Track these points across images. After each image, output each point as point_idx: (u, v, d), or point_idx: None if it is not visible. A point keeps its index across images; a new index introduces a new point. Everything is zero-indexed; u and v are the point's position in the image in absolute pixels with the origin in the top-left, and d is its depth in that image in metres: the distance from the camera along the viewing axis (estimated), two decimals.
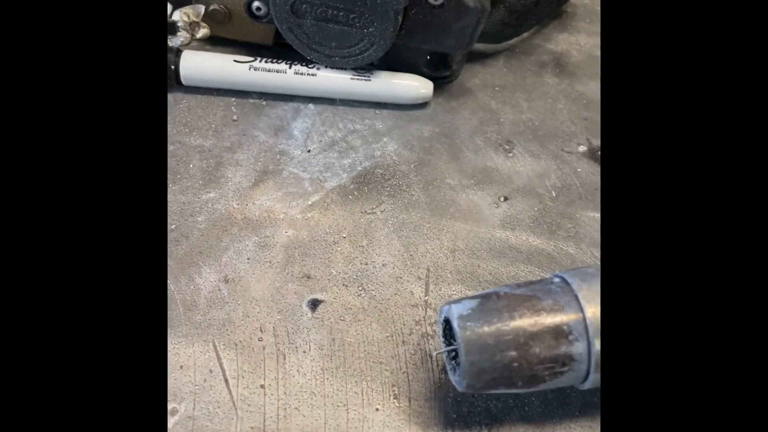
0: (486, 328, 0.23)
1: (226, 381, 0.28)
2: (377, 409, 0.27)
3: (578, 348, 0.23)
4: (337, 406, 0.27)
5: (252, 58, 0.39)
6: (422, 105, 0.41)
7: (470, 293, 0.31)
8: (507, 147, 0.39)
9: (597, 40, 0.47)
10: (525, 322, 0.23)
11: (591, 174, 0.37)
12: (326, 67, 0.39)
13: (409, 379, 0.28)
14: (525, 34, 0.46)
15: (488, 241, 0.34)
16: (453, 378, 0.24)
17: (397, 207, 0.35)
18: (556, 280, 0.24)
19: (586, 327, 0.23)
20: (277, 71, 0.39)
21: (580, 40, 0.47)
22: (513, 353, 0.22)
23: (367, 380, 0.28)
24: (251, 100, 0.40)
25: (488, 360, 0.23)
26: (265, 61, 0.39)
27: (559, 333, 0.23)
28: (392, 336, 0.30)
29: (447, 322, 0.25)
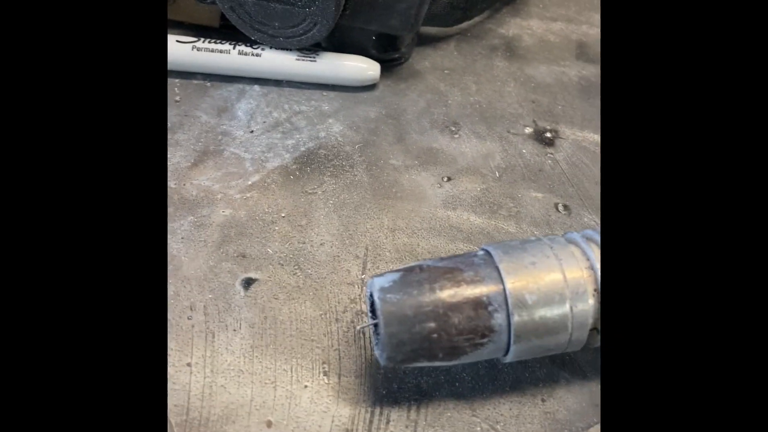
0: (406, 300, 0.22)
1: None
2: (306, 386, 0.27)
3: (498, 319, 0.22)
4: (265, 383, 0.27)
5: (195, 39, 0.39)
6: (370, 87, 0.40)
7: None
8: (453, 128, 0.38)
9: (549, 25, 0.47)
10: (445, 293, 0.22)
11: (536, 155, 0.37)
12: (271, 47, 0.39)
13: (340, 356, 0.28)
14: (477, 18, 0.46)
15: (429, 220, 0.33)
16: (376, 352, 0.24)
17: (339, 187, 0.35)
18: (480, 252, 0.24)
19: (506, 298, 0.23)
20: (221, 51, 0.38)
21: (532, 25, 0.47)
22: (432, 324, 0.22)
23: (297, 358, 0.28)
24: (195, 82, 0.40)
25: (407, 331, 0.22)
26: (209, 42, 0.39)
27: (478, 304, 0.22)
28: (326, 314, 0.29)
29: (372, 296, 0.24)
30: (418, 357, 0.23)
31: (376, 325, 0.24)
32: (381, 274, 0.24)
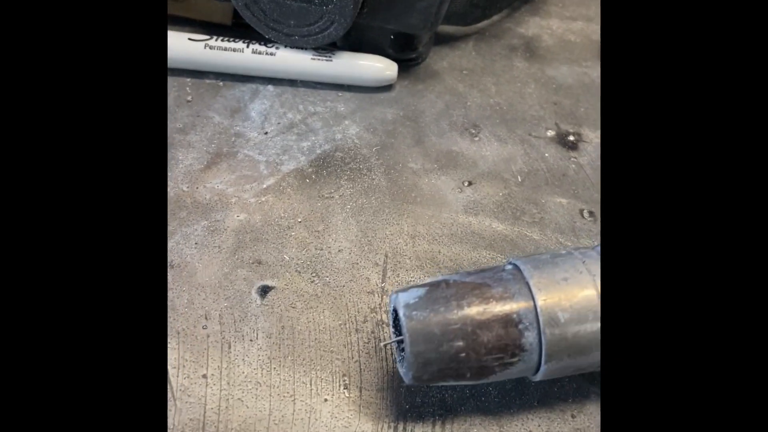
0: (432, 317, 0.22)
1: None
2: (326, 400, 0.26)
3: (529, 338, 0.22)
4: (283, 396, 0.26)
5: (208, 37, 0.38)
6: (387, 87, 0.39)
7: (429, 280, 0.30)
8: (473, 131, 0.37)
9: (569, 25, 0.46)
10: (473, 310, 0.22)
11: (558, 159, 0.36)
12: (285, 46, 0.38)
13: (361, 369, 0.27)
14: (495, 17, 0.44)
15: (450, 226, 0.32)
16: (401, 370, 0.23)
17: (356, 191, 0.34)
18: (509, 267, 0.23)
19: (537, 316, 0.22)
20: (234, 50, 0.37)
21: (552, 25, 0.45)
22: (460, 343, 0.21)
23: (317, 369, 0.27)
24: (207, 81, 0.39)
25: (434, 350, 0.21)
26: (222, 40, 0.38)
27: (508, 322, 0.22)
28: (345, 324, 0.28)
29: (396, 312, 0.24)
30: (445, 376, 0.22)
31: (400, 341, 0.23)
32: (405, 289, 0.23)
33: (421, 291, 0.22)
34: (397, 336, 0.24)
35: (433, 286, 0.23)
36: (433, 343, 0.21)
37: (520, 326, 0.21)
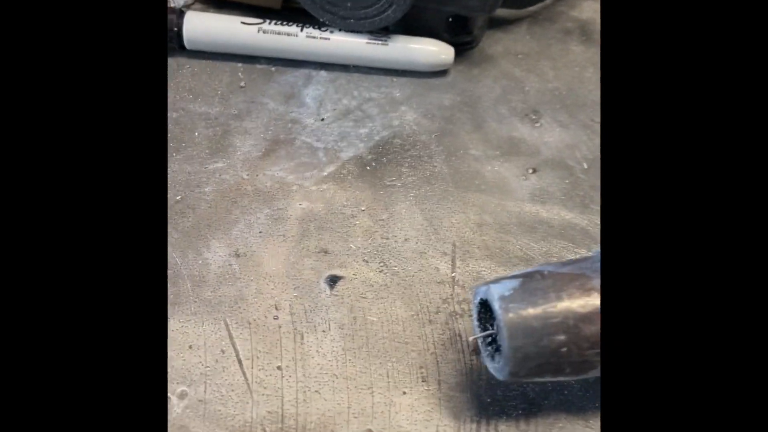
0: (531, 310, 0.21)
1: (240, 362, 0.26)
2: (404, 393, 0.25)
3: None
4: (361, 389, 0.25)
5: (261, 20, 0.37)
6: (441, 72, 0.38)
7: (501, 270, 0.29)
8: (533, 117, 0.36)
9: None
10: (574, 303, 0.21)
11: None
12: (340, 30, 0.37)
13: (437, 361, 0.26)
14: (548, 0, 0.43)
15: (517, 215, 0.32)
16: (491, 365, 0.22)
17: (418, 179, 0.33)
18: None
19: None
20: (288, 34, 0.37)
21: None
22: (562, 337, 0.21)
23: (393, 361, 0.26)
24: (259, 66, 0.38)
25: (534, 345, 0.21)
26: (275, 24, 0.37)
27: None
28: (418, 315, 0.28)
29: (483, 304, 0.23)
30: (543, 372, 0.21)
31: (490, 335, 0.22)
32: (497, 280, 0.22)
33: (515, 282, 0.22)
34: (482, 330, 0.23)
35: (527, 277, 0.22)
36: (532, 337, 0.21)
37: None
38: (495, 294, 0.22)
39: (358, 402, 0.25)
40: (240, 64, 0.38)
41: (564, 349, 0.21)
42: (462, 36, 0.39)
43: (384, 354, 0.26)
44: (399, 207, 0.32)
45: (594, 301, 0.21)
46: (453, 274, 0.29)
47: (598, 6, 0.44)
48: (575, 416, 0.25)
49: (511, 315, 0.21)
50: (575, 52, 0.41)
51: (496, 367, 0.22)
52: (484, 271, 0.29)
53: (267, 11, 0.40)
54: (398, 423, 0.25)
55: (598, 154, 0.34)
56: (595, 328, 0.21)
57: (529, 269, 0.22)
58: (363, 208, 0.31)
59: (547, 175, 0.33)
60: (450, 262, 0.30)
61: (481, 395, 0.25)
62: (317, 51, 0.37)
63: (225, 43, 0.37)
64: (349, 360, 0.26)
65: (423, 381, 0.26)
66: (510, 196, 0.32)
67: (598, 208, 0.32)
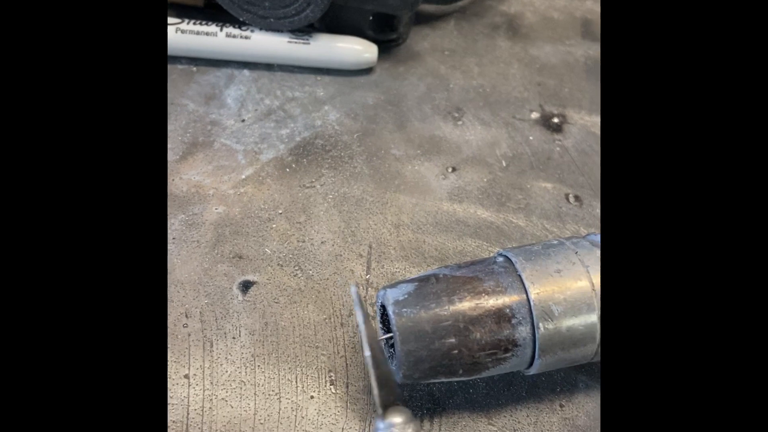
0: (423, 314, 0.21)
1: None
2: (312, 397, 0.25)
3: (522, 332, 0.21)
4: (269, 395, 0.25)
5: (179, 20, 0.36)
6: (367, 70, 0.38)
7: (415, 271, 0.29)
8: (456, 115, 0.36)
9: (552, 2, 0.45)
10: (465, 305, 0.21)
11: (543, 142, 0.35)
12: (261, 29, 0.36)
13: (347, 364, 0.26)
14: None
15: (434, 214, 0.32)
16: (391, 367, 0.22)
17: (338, 180, 0.33)
18: (500, 259, 0.23)
19: (530, 309, 0.21)
20: (207, 34, 0.36)
21: (535, 1, 0.44)
22: (452, 340, 0.21)
23: (302, 366, 0.26)
24: (180, 66, 0.37)
25: (426, 348, 0.21)
26: (194, 23, 0.36)
27: (501, 317, 0.21)
28: (330, 318, 0.28)
29: (383, 308, 0.23)
30: (437, 374, 0.21)
31: (389, 338, 0.22)
32: (393, 285, 0.22)
33: (410, 287, 0.22)
34: (385, 332, 0.23)
35: (423, 281, 0.22)
36: (424, 341, 0.21)
37: (513, 321, 0.21)
38: (390, 298, 0.22)
39: (265, 408, 0.25)
40: None
41: (455, 352, 0.21)
42: (387, 33, 0.39)
43: (294, 359, 0.26)
44: (317, 209, 0.31)
45: (484, 303, 0.21)
46: (368, 276, 0.29)
47: (525, 0, 0.44)
48: (479, 414, 0.25)
49: (403, 319, 0.21)
50: (501, 47, 0.41)
51: (393, 370, 0.22)
52: (399, 272, 0.29)
53: (190, 9, 0.39)
54: (304, 427, 0.24)
55: (518, 151, 0.35)
56: (484, 330, 0.21)
57: (426, 273, 0.23)
58: (280, 211, 0.31)
59: (466, 173, 0.33)
60: (365, 264, 0.30)
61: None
62: (238, 50, 0.37)
63: None
64: (258, 366, 0.26)
65: (331, 384, 0.26)
66: (429, 196, 0.32)
67: (514, 206, 0.32)
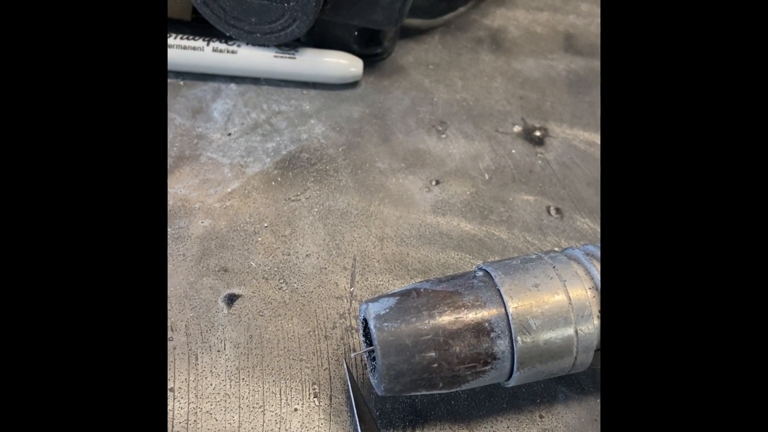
0: (404, 328, 0.21)
1: None
2: (296, 409, 0.26)
3: (501, 346, 0.21)
4: (253, 407, 0.26)
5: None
6: (352, 84, 0.39)
7: (398, 283, 0.30)
8: (440, 128, 0.37)
9: (535, 15, 0.45)
10: (444, 319, 0.21)
11: (525, 155, 0.36)
12: (247, 44, 0.37)
13: (330, 377, 0.27)
14: (461, 9, 0.44)
15: (418, 227, 0.32)
16: (372, 380, 0.23)
17: (323, 193, 0.33)
18: (479, 273, 0.23)
19: (508, 323, 0.22)
20: (194, 48, 0.36)
21: (518, 16, 0.45)
22: (432, 354, 0.21)
23: (286, 379, 0.26)
24: (167, 80, 0.38)
25: (406, 362, 0.21)
26: (180, 38, 0.36)
27: (480, 330, 0.21)
28: (314, 331, 0.28)
29: (366, 322, 0.23)
30: (418, 387, 0.22)
31: (371, 351, 0.23)
32: (375, 299, 0.23)
33: (392, 301, 0.22)
34: (368, 345, 0.24)
35: (404, 295, 0.22)
36: (404, 354, 0.21)
37: (492, 335, 0.21)
38: (372, 312, 0.22)
39: (249, 421, 0.25)
40: None
41: (435, 365, 0.21)
42: (372, 48, 0.39)
43: (278, 371, 0.27)
44: (302, 222, 0.32)
45: (464, 318, 0.21)
46: (351, 289, 0.30)
47: (509, 14, 0.45)
48: (460, 425, 0.25)
49: (384, 333, 0.21)
50: (485, 61, 0.41)
51: (375, 383, 0.22)
52: (382, 284, 0.30)
53: (177, 23, 0.40)
54: None
55: (500, 164, 0.35)
56: (464, 344, 0.21)
57: (407, 287, 0.23)
58: (266, 225, 0.32)
59: (449, 186, 0.34)
60: (350, 277, 0.30)
61: (371, 409, 0.26)
62: (224, 65, 0.37)
63: None
64: (243, 379, 0.26)
65: (315, 397, 0.26)
66: (412, 209, 0.33)
67: (497, 218, 0.33)
